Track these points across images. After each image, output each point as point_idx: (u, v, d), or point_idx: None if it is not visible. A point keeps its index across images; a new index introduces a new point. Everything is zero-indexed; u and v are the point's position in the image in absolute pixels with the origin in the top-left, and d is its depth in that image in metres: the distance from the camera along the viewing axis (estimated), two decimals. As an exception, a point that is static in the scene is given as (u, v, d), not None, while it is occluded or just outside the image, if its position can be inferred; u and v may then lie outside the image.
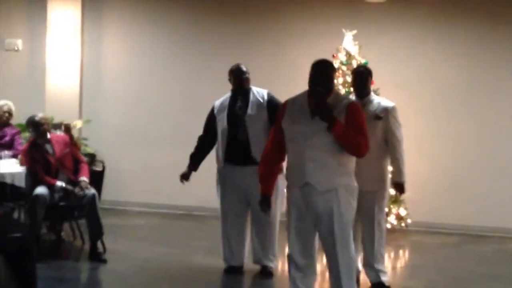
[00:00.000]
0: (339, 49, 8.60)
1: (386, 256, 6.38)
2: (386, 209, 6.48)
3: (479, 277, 6.86)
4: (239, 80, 6.35)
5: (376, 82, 8.40)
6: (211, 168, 9.29)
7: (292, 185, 4.87)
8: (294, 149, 4.80)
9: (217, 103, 6.49)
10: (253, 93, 6.35)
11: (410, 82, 9.01)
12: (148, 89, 9.74)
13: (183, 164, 9.45)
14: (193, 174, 9.41)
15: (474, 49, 9.07)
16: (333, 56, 8.50)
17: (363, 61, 8.55)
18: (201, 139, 6.65)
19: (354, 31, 8.59)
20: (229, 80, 6.44)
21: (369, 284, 6.02)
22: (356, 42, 8.61)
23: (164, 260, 7.01)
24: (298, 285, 4.88)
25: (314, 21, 9.31)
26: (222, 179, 6.43)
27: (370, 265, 6.00)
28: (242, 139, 6.20)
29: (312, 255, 4.91)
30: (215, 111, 6.44)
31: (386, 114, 5.91)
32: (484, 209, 8.89)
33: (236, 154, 6.25)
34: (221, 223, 6.53)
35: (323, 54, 8.58)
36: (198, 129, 9.36)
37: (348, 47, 8.59)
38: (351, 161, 4.82)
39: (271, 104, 6.25)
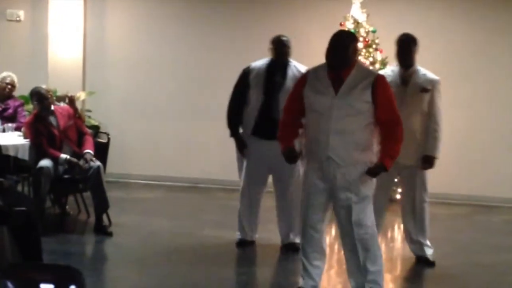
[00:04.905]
0: (347, 17, 8.47)
1: (396, 227, 6.34)
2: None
3: (489, 248, 6.82)
4: (281, 52, 6.10)
5: (385, 50, 8.29)
6: (217, 140, 9.28)
7: (312, 159, 4.71)
8: (316, 120, 4.63)
9: (254, 67, 6.18)
10: (291, 68, 6.13)
11: (419, 49, 8.83)
12: (153, 60, 9.56)
13: (189, 136, 9.48)
14: (198, 147, 9.46)
15: (486, 14, 8.88)
16: (341, 24, 8.39)
17: (371, 29, 8.44)
18: (234, 105, 6.24)
19: (362, -1, 8.44)
20: (270, 49, 6.17)
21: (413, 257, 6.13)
22: (364, 10, 8.47)
23: (171, 233, 6.93)
24: None
25: (321, -11, 9.15)
26: (246, 150, 6.23)
27: (410, 237, 6.02)
28: (274, 114, 5.92)
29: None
30: (251, 77, 6.14)
31: (432, 87, 5.78)
32: (495, 180, 8.80)
33: (266, 128, 6.00)
34: (240, 195, 6.36)
35: (330, 22, 8.55)
36: (205, 101, 9.34)
37: (356, 15, 8.45)
38: (372, 138, 4.68)
39: None
